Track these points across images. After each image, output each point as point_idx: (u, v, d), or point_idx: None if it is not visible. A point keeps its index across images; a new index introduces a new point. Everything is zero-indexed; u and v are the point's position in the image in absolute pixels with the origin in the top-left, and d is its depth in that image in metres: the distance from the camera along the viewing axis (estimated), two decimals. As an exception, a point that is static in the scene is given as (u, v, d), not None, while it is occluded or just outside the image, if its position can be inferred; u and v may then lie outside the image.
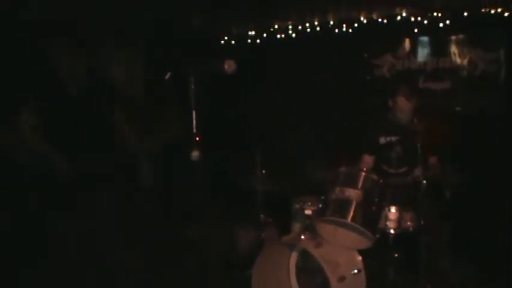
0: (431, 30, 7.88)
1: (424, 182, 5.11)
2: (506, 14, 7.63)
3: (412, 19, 7.94)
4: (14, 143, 4.57)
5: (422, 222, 5.18)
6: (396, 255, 5.44)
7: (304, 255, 5.27)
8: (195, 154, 3.81)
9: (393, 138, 5.87)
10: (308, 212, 5.66)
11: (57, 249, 4.49)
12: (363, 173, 5.24)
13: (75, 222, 4.36)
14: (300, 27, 8.67)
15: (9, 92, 4.64)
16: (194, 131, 3.78)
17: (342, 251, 5.13)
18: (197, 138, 3.81)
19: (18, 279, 5.03)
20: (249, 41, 9.12)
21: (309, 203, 5.75)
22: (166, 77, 4.06)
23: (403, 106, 5.82)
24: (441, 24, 7.80)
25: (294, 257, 5.38)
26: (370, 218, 5.12)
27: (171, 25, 7.15)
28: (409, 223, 5.39)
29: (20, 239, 5.47)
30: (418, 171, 5.28)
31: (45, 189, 4.33)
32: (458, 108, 7.59)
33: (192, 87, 3.76)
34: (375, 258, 5.26)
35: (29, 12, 5.44)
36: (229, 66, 3.70)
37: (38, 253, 5.25)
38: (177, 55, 5.93)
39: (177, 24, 7.38)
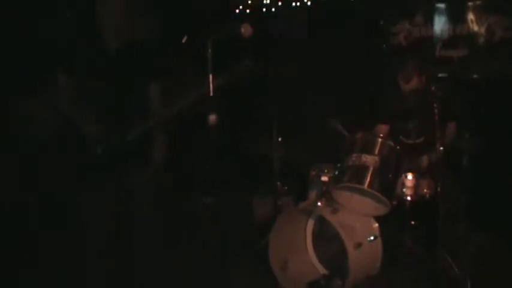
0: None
1: (441, 148, 5.09)
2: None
3: (429, -15, 7.88)
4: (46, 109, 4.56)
5: (439, 190, 5.16)
6: (413, 222, 5.44)
7: (321, 222, 5.29)
8: (213, 118, 3.80)
9: (409, 107, 5.86)
10: (324, 178, 5.66)
11: (82, 221, 4.47)
12: (380, 139, 5.22)
13: (102, 194, 4.33)
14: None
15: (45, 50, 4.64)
16: (211, 94, 3.77)
17: (359, 217, 5.14)
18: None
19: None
20: (264, 9, 9.07)
21: (326, 170, 5.75)
22: (183, 40, 4.05)
23: (404, 87, 5.95)
24: (458, -9, 7.74)
25: (310, 223, 5.41)
26: (387, 184, 5.10)
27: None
28: (426, 190, 5.38)
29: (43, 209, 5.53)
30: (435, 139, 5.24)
31: (75, 161, 4.28)
32: (475, 76, 7.53)
33: (209, 50, 3.75)
34: (392, 225, 5.27)
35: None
36: (245, 29, 3.69)
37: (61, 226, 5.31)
38: (194, 21, 5.91)
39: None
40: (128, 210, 4.44)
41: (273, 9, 9.06)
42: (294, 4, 8.84)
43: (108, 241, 4.39)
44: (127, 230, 4.44)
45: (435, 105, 5.09)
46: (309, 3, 8.68)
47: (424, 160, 5.59)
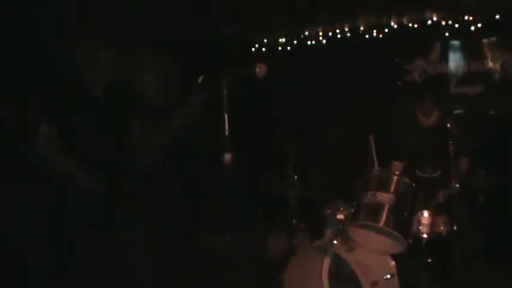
0: (462, 33, 7.82)
1: (457, 185, 5.08)
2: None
3: (443, 23, 7.89)
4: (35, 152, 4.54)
5: (455, 227, 5.14)
6: (429, 260, 5.41)
7: (337, 260, 5.26)
8: (228, 157, 3.82)
9: (425, 143, 5.86)
10: (340, 216, 5.65)
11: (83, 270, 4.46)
12: (395, 177, 5.22)
13: (104, 241, 4.32)
14: (330, 34, 8.66)
15: (28, 95, 4.64)
16: (226, 134, 3.79)
17: (375, 255, 5.11)
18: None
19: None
20: (280, 48, 9.13)
21: (341, 208, 5.75)
22: (199, 80, 4.09)
23: (424, 122, 5.96)
24: (472, 28, 7.74)
25: (326, 262, 5.37)
26: (403, 222, 5.09)
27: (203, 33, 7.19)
28: (442, 227, 5.36)
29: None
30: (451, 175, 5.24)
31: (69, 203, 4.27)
32: (491, 112, 7.52)
33: (224, 90, 3.78)
34: (408, 263, 5.24)
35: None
36: (260, 69, 3.71)
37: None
38: (209, 61, 5.96)
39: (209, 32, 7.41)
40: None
41: (289, 48, 9.11)
42: (309, 43, 8.89)
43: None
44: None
45: (450, 141, 5.10)
46: (324, 41, 8.72)
47: (440, 197, 5.57)
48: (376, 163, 5.67)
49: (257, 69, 3.72)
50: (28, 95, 4.89)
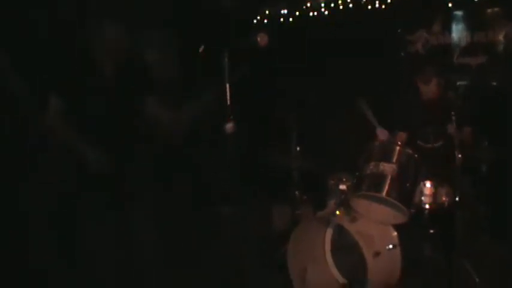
0: (466, 4, 7.78)
1: (460, 156, 5.07)
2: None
3: (447, -7, 7.86)
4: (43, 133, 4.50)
5: (457, 198, 5.14)
6: (431, 231, 5.42)
7: (339, 231, 5.28)
8: (230, 126, 3.82)
9: (428, 113, 5.85)
10: (343, 187, 5.65)
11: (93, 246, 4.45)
12: (398, 147, 5.22)
13: (112, 218, 4.30)
14: (332, 5, 8.62)
15: (37, 74, 4.59)
16: (228, 103, 3.79)
17: (377, 226, 5.12)
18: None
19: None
20: (282, 19, 9.09)
21: (344, 179, 5.74)
22: (200, 50, 4.08)
23: (423, 89, 5.92)
24: (476, -1, 7.72)
25: (329, 232, 5.40)
26: (405, 192, 5.09)
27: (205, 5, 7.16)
28: (444, 198, 5.35)
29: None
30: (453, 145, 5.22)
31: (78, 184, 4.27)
32: (494, 83, 7.50)
33: (226, 60, 3.77)
34: (410, 233, 5.25)
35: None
36: (261, 39, 3.71)
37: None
38: (210, 31, 5.93)
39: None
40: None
41: (291, 20, 9.07)
42: (311, 14, 8.85)
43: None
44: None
45: (453, 112, 5.08)
46: (326, 12, 8.68)
47: (451, 127, 5.49)
48: (377, 124, 5.68)
49: (258, 39, 3.71)
50: (36, 71, 4.88)
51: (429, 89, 5.85)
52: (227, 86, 3.77)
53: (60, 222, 4.94)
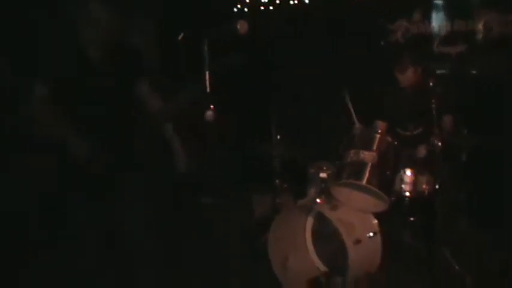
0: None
1: (439, 144, 5.09)
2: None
3: (427, -19, 7.86)
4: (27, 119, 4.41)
5: (437, 186, 5.16)
6: (412, 218, 5.45)
7: (320, 219, 5.29)
8: (209, 114, 3.79)
9: (407, 101, 5.87)
10: (323, 175, 5.65)
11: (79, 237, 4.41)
12: (378, 135, 5.24)
13: (100, 209, 4.25)
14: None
15: (20, 57, 4.51)
16: (208, 90, 3.75)
17: (358, 214, 5.13)
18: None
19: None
20: (262, 8, 9.06)
21: (324, 167, 5.75)
22: (179, 37, 4.04)
23: (400, 78, 5.97)
24: (456, -13, 7.72)
25: (310, 220, 5.42)
26: (386, 180, 5.13)
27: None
28: (424, 186, 5.38)
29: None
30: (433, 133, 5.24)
31: (64, 174, 4.18)
32: (473, 72, 7.52)
33: (205, 48, 3.74)
34: (391, 221, 5.27)
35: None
36: (241, 26, 3.67)
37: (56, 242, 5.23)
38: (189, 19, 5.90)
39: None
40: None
41: (271, 8, 9.04)
42: (291, 2, 8.82)
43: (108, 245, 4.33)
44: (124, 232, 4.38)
45: (432, 99, 5.10)
46: (306, 1, 8.66)
47: (422, 150, 5.56)
48: (355, 121, 5.68)
49: (238, 26, 3.68)
50: (21, 56, 4.80)
51: (405, 77, 5.87)
52: (207, 74, 3.74)
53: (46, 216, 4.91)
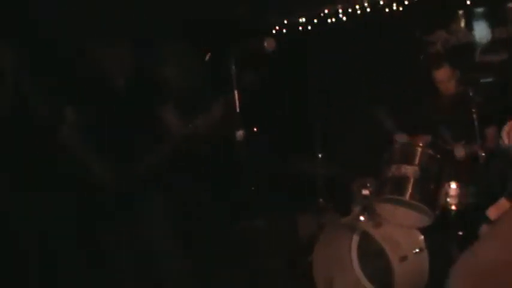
0: (485, 0, 7.68)
1: (483, 154, 4.97)
2: None
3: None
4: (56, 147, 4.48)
5: (484, 198, 5.03)
6: (459, 232, 5.31)
7: (365, 238, 5.20)
8: (240, 134, 3.76)
9: (447, 112, 5.76)
10: (365, 192, 5.56)
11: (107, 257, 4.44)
12: (419, 149, 5.14)
13: (128, 231, 4.28)
14: (349, 10, 8.55)
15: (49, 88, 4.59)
16: (237, 110, 3.73)
17: (403, 230, 5.04)
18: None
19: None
20: (300, 28, 9.06)
21: (368, 184, 5.66)
22: (206, 58, 4.04)
23: (442, 87, 5.85)
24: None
25: (355, 239, 5.33)
26: (429, 194, 5.00)
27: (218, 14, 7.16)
28: (470, 199, 5.25)
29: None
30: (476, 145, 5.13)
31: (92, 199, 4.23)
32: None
33: (233, 67, 3.72)
34: (438, 236, 5.15)
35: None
36: (268, 44, 3.65)
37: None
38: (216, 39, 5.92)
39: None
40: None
41: (309, 28, 9.03)
42: (329, 21, 8.80)
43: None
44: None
45: (474, 110, 5.00)
46: (344, 18, 8.63)
47: (460, 150, 5.44)
48: (396, 135, 5.61)
49: (265, 44, 3.65)
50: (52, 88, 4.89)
51: (447, 86, 5.77)
52: (235, 93, 3.72)
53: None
